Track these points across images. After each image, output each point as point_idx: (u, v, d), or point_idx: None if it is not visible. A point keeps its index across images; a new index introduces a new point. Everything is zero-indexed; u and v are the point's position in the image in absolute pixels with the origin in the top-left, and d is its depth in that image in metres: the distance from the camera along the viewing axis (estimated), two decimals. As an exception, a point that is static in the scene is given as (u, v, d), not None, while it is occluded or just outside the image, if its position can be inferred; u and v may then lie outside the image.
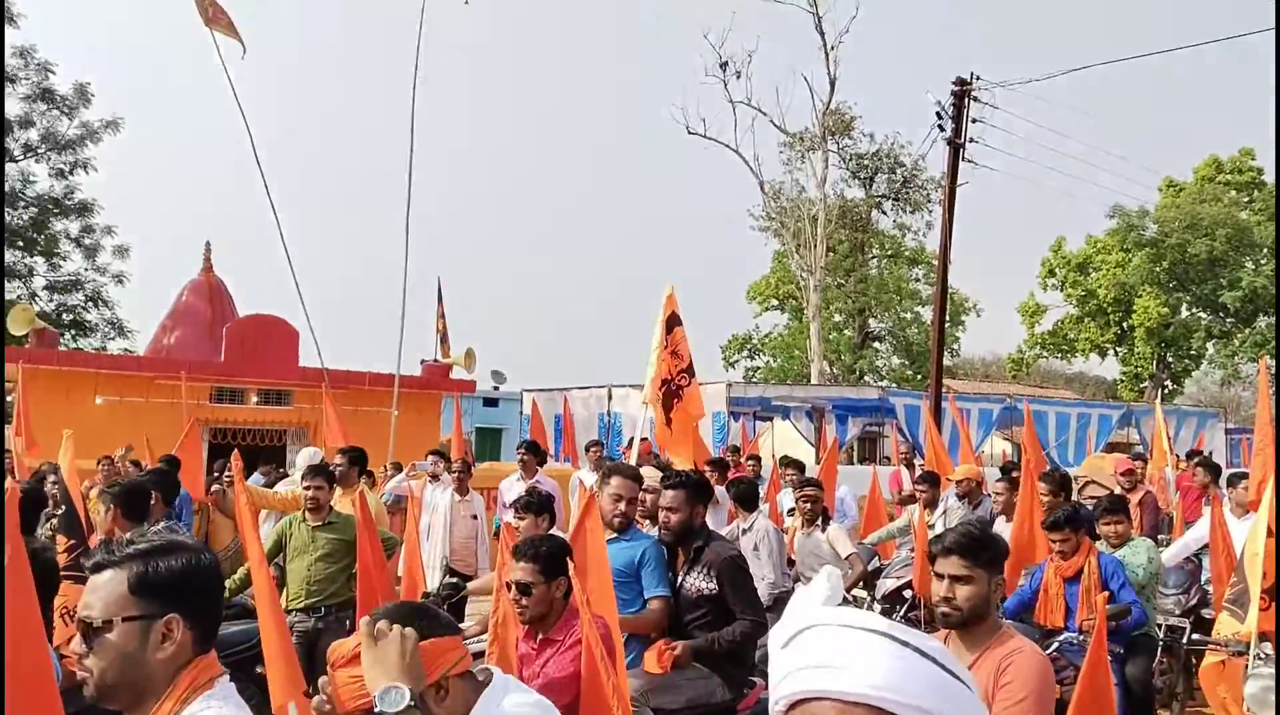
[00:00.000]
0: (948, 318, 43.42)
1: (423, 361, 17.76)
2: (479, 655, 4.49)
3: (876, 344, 42.24)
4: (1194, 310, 31.76)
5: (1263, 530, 4.70)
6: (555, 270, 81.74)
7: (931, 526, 8.09)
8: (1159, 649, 5.90)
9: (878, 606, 7.31)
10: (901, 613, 6.85)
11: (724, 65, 29.52)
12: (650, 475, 5.55)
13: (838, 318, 40.46)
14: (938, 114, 14.44)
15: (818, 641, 1.02)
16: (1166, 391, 40.67)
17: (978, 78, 14.17)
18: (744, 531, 6.53)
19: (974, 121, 14.35)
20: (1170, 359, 38.37)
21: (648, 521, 5.49)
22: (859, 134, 32.79)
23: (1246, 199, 33.40)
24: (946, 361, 48.34)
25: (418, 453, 10.90)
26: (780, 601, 6.28)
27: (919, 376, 39.87)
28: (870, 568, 7.77)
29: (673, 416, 6.69)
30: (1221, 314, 29.83)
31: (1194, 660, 6.23)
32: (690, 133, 30.19)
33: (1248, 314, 28.80)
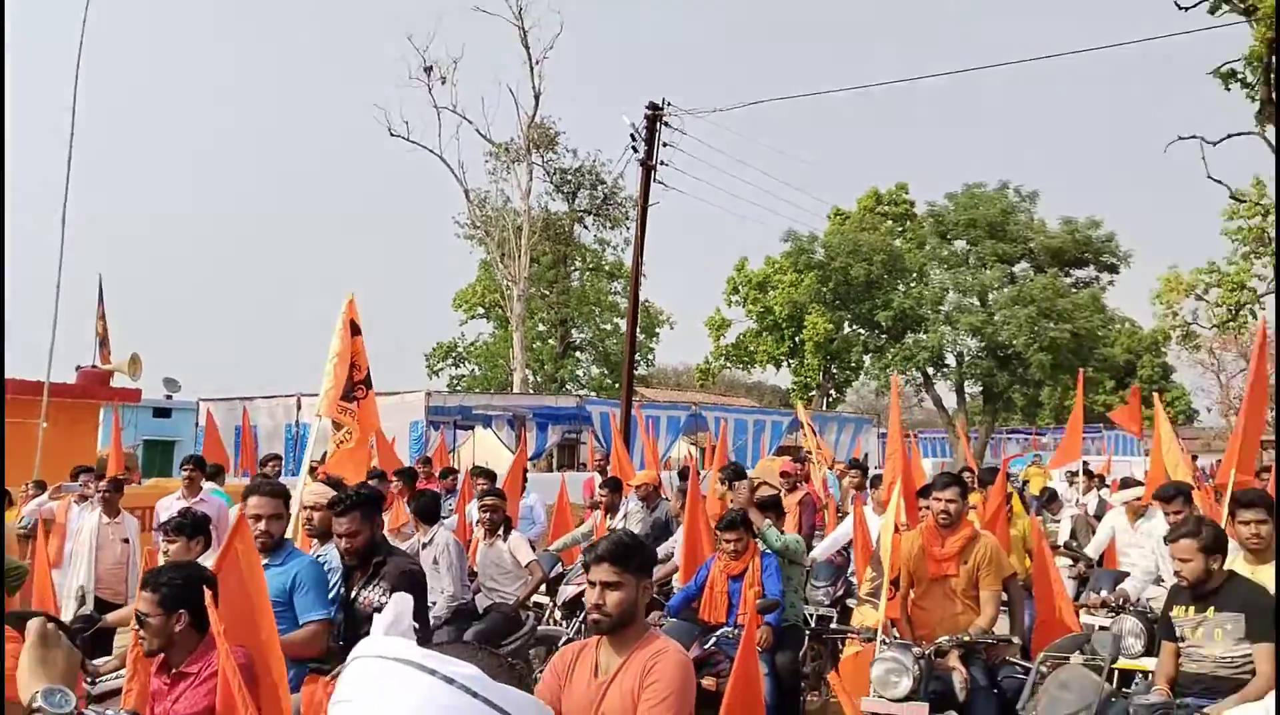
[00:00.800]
0: (643, 330, 45.53)
1: (78, 367, 15.88)
2: (115, 694, 4.06)
3: (578, 354, 43.28)
4: (854, 327, 35.33)
5: (890, 527, 5.27)
6: (245, 271, 76.47)
7: (612, 530, 8.39)
8: (807, 638, 6.43)
9: (559, 612, 7.45)
10: (580, 618, 7.00)
11: (429, 69, 29.06)
12: (319, 492, 5.29)
13: (541, 328, 41.04)
14: (631, 136, 15.05)
15: (351, 674, 0.99)
16: (831, 400, 45.03)
17: (669, 103, 14.94)
18: (424, 545, 6.39)
19: (665, 145, 15.09)
20: (834, 370, 42.48)
21: (315, 540, 5.27)
22: (563, 149, 33.51)
23: (900, 229, 37.73)
24: (641, 371, 50.54)
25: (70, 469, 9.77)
26: (459, 614, 6.22)
27: (617, 385, 41.32)
28: (554, 574, 7.90)
29: (346, 431, 6.45)
30: (876, 331, 33.38)
31: (840, 647, 6.83)
32: (392, 134, 29.42)
33: (899, 331, 32.46)
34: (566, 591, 7.38)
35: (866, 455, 35.82)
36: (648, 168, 14.97)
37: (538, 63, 29.27)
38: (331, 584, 4.82)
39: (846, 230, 33.30)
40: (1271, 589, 4.39)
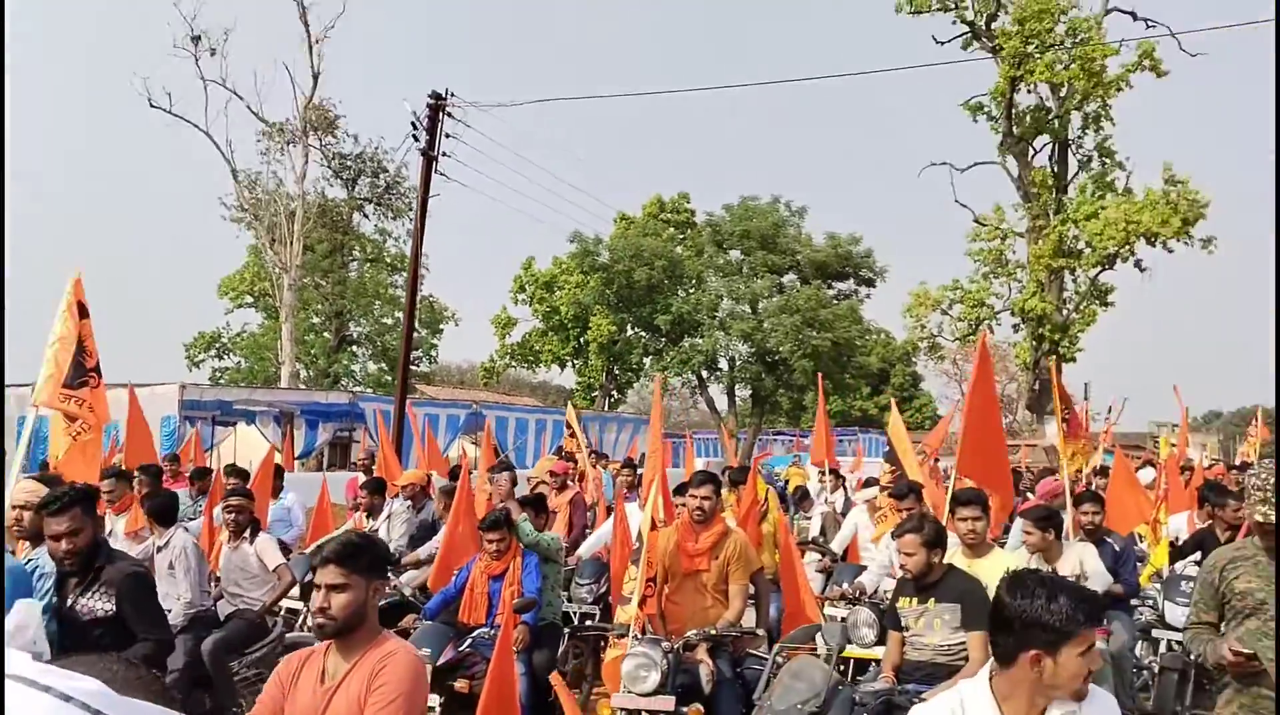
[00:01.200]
0: (426, 326, 44.48)
1: None
2: None
3: (354, 348, 41.70)
4: (636, 330, 36.07)
5: (647, 525, 5.36)
6: (-27, 244, 68.24)
7: (374, 531, 8.09)
8: (566, 637, 6.45)
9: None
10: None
11: (196, 39, 27.09)
12: (29, 490, 4.77)
13: (316, 320, 39.21)
14: (413, 124, 14.63)
15: None
16: (613, 400, 45.82)
17: (452, 94, 14.63)
18: (159, 549, 5.91)
19: (448, 136, 14.77)
20: (616, 372, 43.23)
21: (27, 543, 4.79)
22: (343, 133, 32.17)
23: (681, 236, 38.87)
24: (423, 368, 49.35)
25: None
26: (197, 621, 5.79)
27: (393, 382, 40.16)
28: (308, 579, 7.51)
29: (81, 423, 5.87)
30: (656, 334, 34.21)
31: (602, 646, 6.89)
32: (153, 106, 27.22)
33: (676, 335, 33.40)
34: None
35: (642, 455, 36.68)
36: (429, 158, 14.61)
37: (317, 42, 27.98)
38: (44, 590, 4.38)
39: (630, 235, 33.92)
40: (986, 581, 4.82)
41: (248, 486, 7.24)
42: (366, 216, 36.38)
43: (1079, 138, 26.51)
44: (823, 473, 10.61)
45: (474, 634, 5.48)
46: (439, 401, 27.23)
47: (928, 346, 28.44)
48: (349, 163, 32.37)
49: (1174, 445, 18.22)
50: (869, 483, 9.20)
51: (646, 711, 4.63)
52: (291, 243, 28.24)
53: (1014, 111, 25.88)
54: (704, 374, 34.41)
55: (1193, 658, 4.83)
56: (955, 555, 5.06)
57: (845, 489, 11.17)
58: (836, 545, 8.43)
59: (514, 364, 49.96)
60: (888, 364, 41.26)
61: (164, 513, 5.99)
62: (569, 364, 47.22)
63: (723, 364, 34.38)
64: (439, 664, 5.10)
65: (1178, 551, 7.52)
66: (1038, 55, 24.71)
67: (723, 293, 32.05)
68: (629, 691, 4.63)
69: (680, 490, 6.12)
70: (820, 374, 11.91)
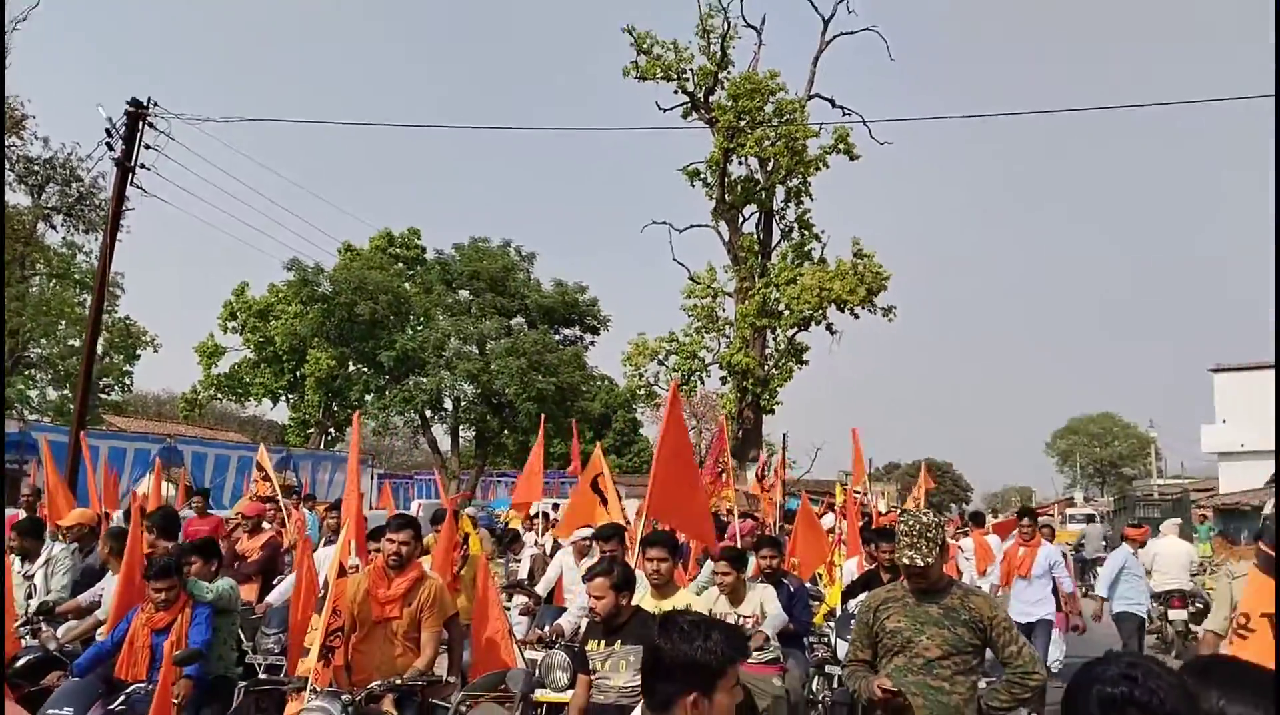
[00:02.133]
0: (121, 351, 40.42)
1: None
2: None
3: (32, 372, 37.09)
4: (357, 365, 34.77)
5: (334, 571, 5.12)
6: None
7: (30, 577, 7.19)
8: (243, 691, 6.00)
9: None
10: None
11: None
12: None
13: (-13, 338, 34.52)
14: (108, 131, 13.39)
15: None
16: (330, 438, 43.72)
17: (155, 103, 13.55)
18: None
19: (148, 148, 13.65)
20: (335, 408, 41.35)
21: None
22: (30, 135, 28.84)
23: (410, 272, 38.07)
24: (115, 397, 44.75)
25: None
26: None
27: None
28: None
29: None
30: (378, 371, 33.16)
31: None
32: None
33: (400, 373, 32.55)
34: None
35: (361, 495, 35.16)
36: (124, 168, 13.40)
37: (6, 33, 24.99)
38: None
39: (355, 267, 32.78)
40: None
41: None
42: (54, 228, 32.66)
43: (782, 209, 28.89)
44: (533, 516, 10.66)
45: (129, 690, 4.99)
46: (127, 433, 24.79)
47: (645, 394, 29.55)
48: (36, 167, 29.01)
49: (860, 491, 20.05)
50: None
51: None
52: (-45, 250, 24.74)
53: (726, 180, 27.76)
54: (428, 413, 33.72)
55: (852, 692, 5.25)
56: (644, 597, 5.25)
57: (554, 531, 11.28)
58: (541, 587, 8.48)
59: (220, 396, 46.49)
60: (610, 409, 42.40)
61: None
62: (283, 398, 44.60)
63: (448, 404, 33.88)
64: (83, 726, 4.60)
65: (849, 591, 8.20)
66: (749, 130, 26.75)
67: (450, 332, 31.68)
68: (304, 749, 4.39)
69: (374, 535, 5.93)
70: (544, 416, 12.01)
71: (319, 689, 4.63)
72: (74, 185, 30.11)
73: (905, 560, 3.80)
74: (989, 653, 3.89)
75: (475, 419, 33.48)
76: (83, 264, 35.75)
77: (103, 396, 42.58)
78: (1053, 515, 33.02)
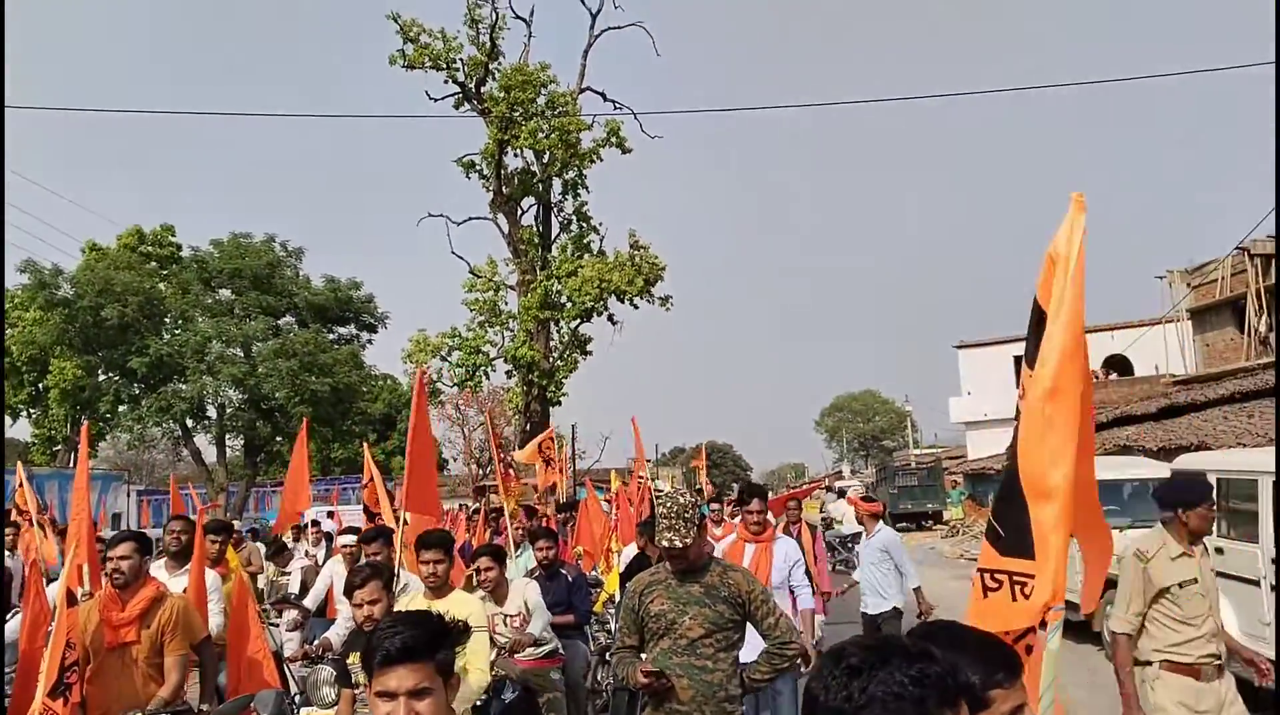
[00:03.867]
0: None
1: None
2: None
3: None
4: (108, 373, 31.94)
5: (62, 598, 4.64)
6: None
7: None
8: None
9: None
10: None
11: None
12: None
13: None
14: None
15: None
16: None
17: None
18: None
19: None
20: (85, 421, 37.81)
21: None
22: None
23: (164, 272, 35.31)
24: None
25: None
26: None
27: None
28: None
29: None
30: (130, 379, 30.59)
31: None
32: None
33: (156, 380, 30.16)
34: None
35: (117, 515, 32.36)
36: None
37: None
38: None
39: (101, 267, 29.99)
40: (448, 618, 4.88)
41: None
42: None
43: (560, 201, 29.00)
44: (299, 528, 10.16)
45: None
46: None
47: (429, 392, 28.86)
48: None
49: (642, 476, 20.45)
50: (348, 531, 9.00)
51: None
52: None
53: (503, 172, 27.55)
54: (189, 423, 31.43)
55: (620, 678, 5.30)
56: (416, 598, 5.09)
57: (327, 541, 10.82)
58: (310, 600, 8.08)
59: (-56, 414, 41.43)
60: (393, 410, 41.13)
61: None
62: (24, 413, 40.34)
63: (211, 412, 31.74)
64: None
65: (625, 577, 8.30)
66: (522, 122, 26.65)
67: (211, 334, 29.65)
68: (25, 801, 3.95)
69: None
70: (307, 418, 11.43)
71: (44, 733, 4.17)
72: None
73: (665, 542, 3.84)
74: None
75: (243, 426, 31.53)
76: None
77: None
78: (829, 487, 35.05)
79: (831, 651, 1.40)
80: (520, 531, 8.05)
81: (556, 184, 28.55)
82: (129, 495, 33.80)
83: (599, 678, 7.77)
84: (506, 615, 5.88)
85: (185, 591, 5.55)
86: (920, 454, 51.10)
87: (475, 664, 4.56)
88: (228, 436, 32.98)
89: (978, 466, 32.37)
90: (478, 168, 28.20)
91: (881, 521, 8.38)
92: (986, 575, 2.29)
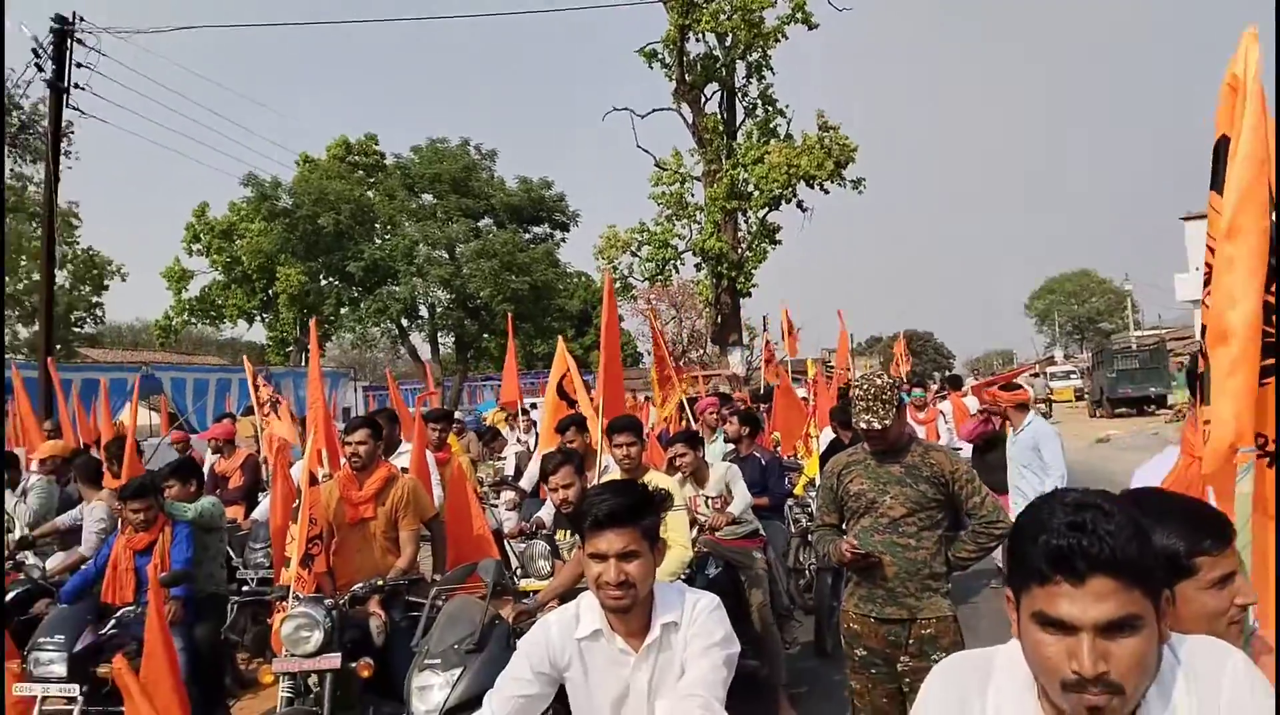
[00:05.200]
0: (89, 282, 39.74)
1: None
2: None
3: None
4: (329, 278, 34.36)
5: (305, 479, 5.13)
6: None
7: (9, 510, 7.22)
8: (236, 606, 6.08)
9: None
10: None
11: None
12: None
13: (-49, 279, 33.81)
14: (34, 52, 12.82)
15: None
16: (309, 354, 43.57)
17: (81, 18, 12.94)
18: None
19: (79, 66, 13.10)
20: (312, 320, 41.08)
21: None
22: (-41, 63, 27.63)
23: (371, 180, 37.30)
24: (89, 329, 44.24)
25: None
26: None
27: (56, 346, 35.78)
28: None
29: None
30: (349, 283, 32.78)
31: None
32: None
33: (372, 283, 32.20)
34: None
35: (346, 409, 35.26)
36: (58, 90, 12.89)
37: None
38: None
39: (314, 179, 32.01)
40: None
41: None
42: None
43: (744, 86, 28.17)
44: (513, 415, 10.73)
45: (118, 614, 5.05)
46: (100, 364, 24.59)
47: (620, 287, 29.40)
48: (-32, 96, 27.86)
49: (830, 367, 20.21)
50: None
51: (314, 672, 4.48)
52: (-105, 190, 24.00)
53: (685, 59, 27.00)
54: (404, 323, 33.52)
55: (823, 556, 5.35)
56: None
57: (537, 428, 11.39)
58: (525, 482, 8.57)
59: (194, 321, 45.99)
60: (588, 306, 42.30)
61: None
62: (258, 318, 44.13)
63: (424, 311, 33.67)
64: (75, 650, 4.66)
65: (824, 459, 8.33)
66: (704, 4, 25.88)
67: (418, 238, 31.24)
68: (291, 654, 4.47)
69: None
70: (511, 315, 11.98)
71: (301, 595, 4.68)
72: (15, 114, 29.04)
73: (863, 424, 3.83)
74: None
75: (453, 325, 33.32)
76: (35, 196, 34.83)
77: (75, 330, 42.07)
78: (1039, 373, 33.37)
79: (1046, 495, 1.42)
80: (715, 415, 8.19)
81: (740, 68, 27.75)
82: (355, 391, 36.69)
83: (800, 558, 7.91)
84: (708, 496, 6.03)
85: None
86: (1141, 336, 47.73)
87: (676, 539, 4.72)
88: (439, 334, 34.98)
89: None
90: (659, 56, 27.77)
91: (1031, 412, 7.07)
92: (1189, 431, 2.22)
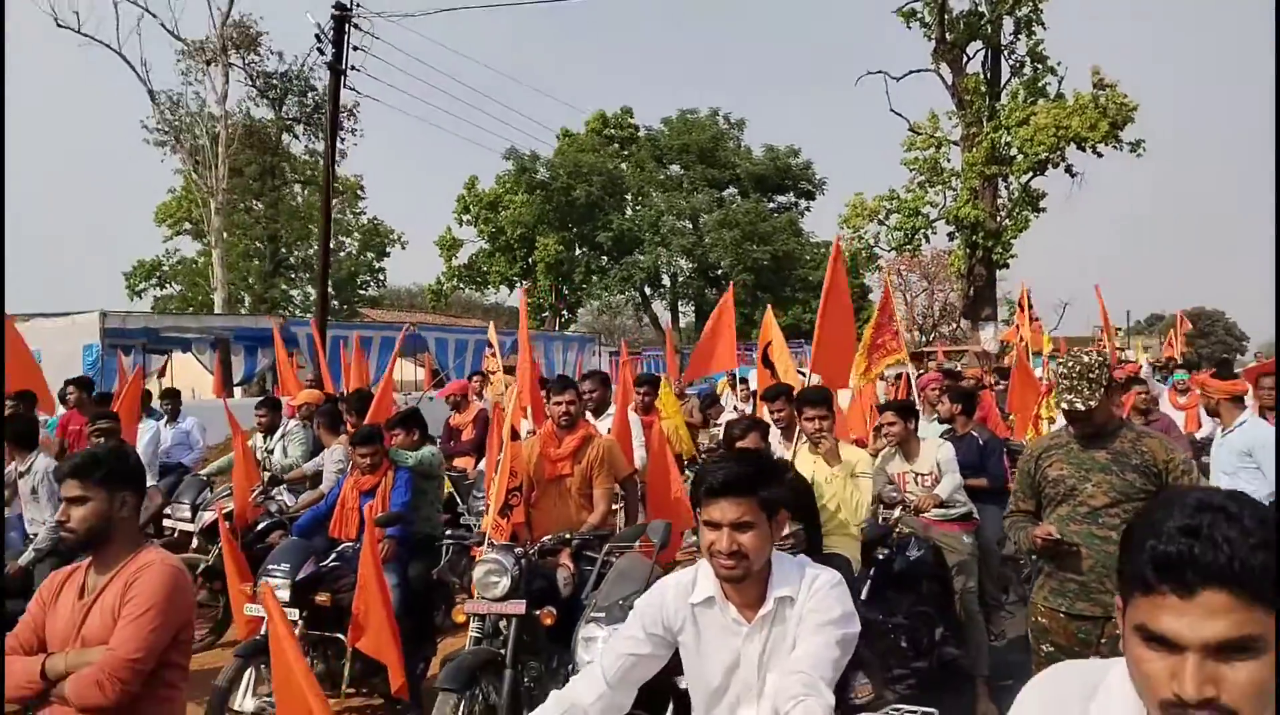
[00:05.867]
0: (373, 249, 43.70)
1: None
2: None
3: (292, 274, 41.01)
4: (581, 248, 35.77)
5: (507, 433, 5.33)
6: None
7: (270, 452, 8.05)
8: (451, 549, 6.45)
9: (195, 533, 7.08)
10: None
11: (101, -50, 25.77)
12: None
13: (259, 245, 38.41)
14: (317, 37, 14.12)
15: None
16: (564, 320, 45.69)
17: (358, 4, 14.10)
18: (22, 474, 5.84)
19: (355, 49, 14.29)
20: (565, 291, 43.01)
21: None
22: (267, 51, 31.05)
23: (625, 153, 38.33)
24: (371, 293, 48.64)
25: None
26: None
27: (339, 307, 39.71)
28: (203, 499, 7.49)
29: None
30: (598, 252, 33.95)
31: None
32: (60, 25, 25.97)
33: (619, 253, 33.18)
34: (204, 517, 7.02)
35: (536, 364, 36.51)
36: (336, 71, 14.13)
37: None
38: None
39: (569, 152, 33.34)
40: (814, 479, 4.88)
41: (112, 411, 7.08)
42: (296, 137, 35.31)
43: (1011, 43, 26.26)
44: (734, 380, 10.72)
45: (340, 548, 5.48)
46: (374, 323, 26.97)
47: (866, 257, 28.50)
48: (274, 81, 31.28)
49: (1118, 347, 18.56)
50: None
51: (502, 616, 4.66)
52: (216, 166, 27.42)
53: (947, 17, 25.54)
54: (647, 291, 34.34)
55: (1011, 543, 4.91)
56: (801, 452, 5.13)
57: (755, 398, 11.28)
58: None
59: (462, 286, 49.41)
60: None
61: (24, 437, 5.88)
62: (518, 284, 46.74)
63: (666, 281, 34.32)
64: (298, 579, 5.10)
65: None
66: (969, -43, 24.35)
67: (663, 208, 31.79)
68: (481, 597, 4.66)
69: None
70: (733, 283, 11.96)
71: (496, 542, 4.87)
72: (310, 95, 32.28)
73: (1065, 405, 3.52)
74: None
75: (693, 294, 33.77)
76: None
77: (360, 293, 46.27)
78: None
79: (1166, 494, 1.23)
80: (936, 392, 7.71)
81: (1008, 23, 25.88)
82: (597, 355, 38.11)
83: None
84: (917, 473, 5.73)
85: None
86: None
87: (848, 504, 4.71)
88: (680, 303, 35.56)
89: None
90: (919, 15, 26.44)
91: (1248, 411, 5.79)
92: None
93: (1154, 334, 59.15)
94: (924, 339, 38.46)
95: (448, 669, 4.20)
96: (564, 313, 45.58)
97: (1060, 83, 25.69)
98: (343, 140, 34.75)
